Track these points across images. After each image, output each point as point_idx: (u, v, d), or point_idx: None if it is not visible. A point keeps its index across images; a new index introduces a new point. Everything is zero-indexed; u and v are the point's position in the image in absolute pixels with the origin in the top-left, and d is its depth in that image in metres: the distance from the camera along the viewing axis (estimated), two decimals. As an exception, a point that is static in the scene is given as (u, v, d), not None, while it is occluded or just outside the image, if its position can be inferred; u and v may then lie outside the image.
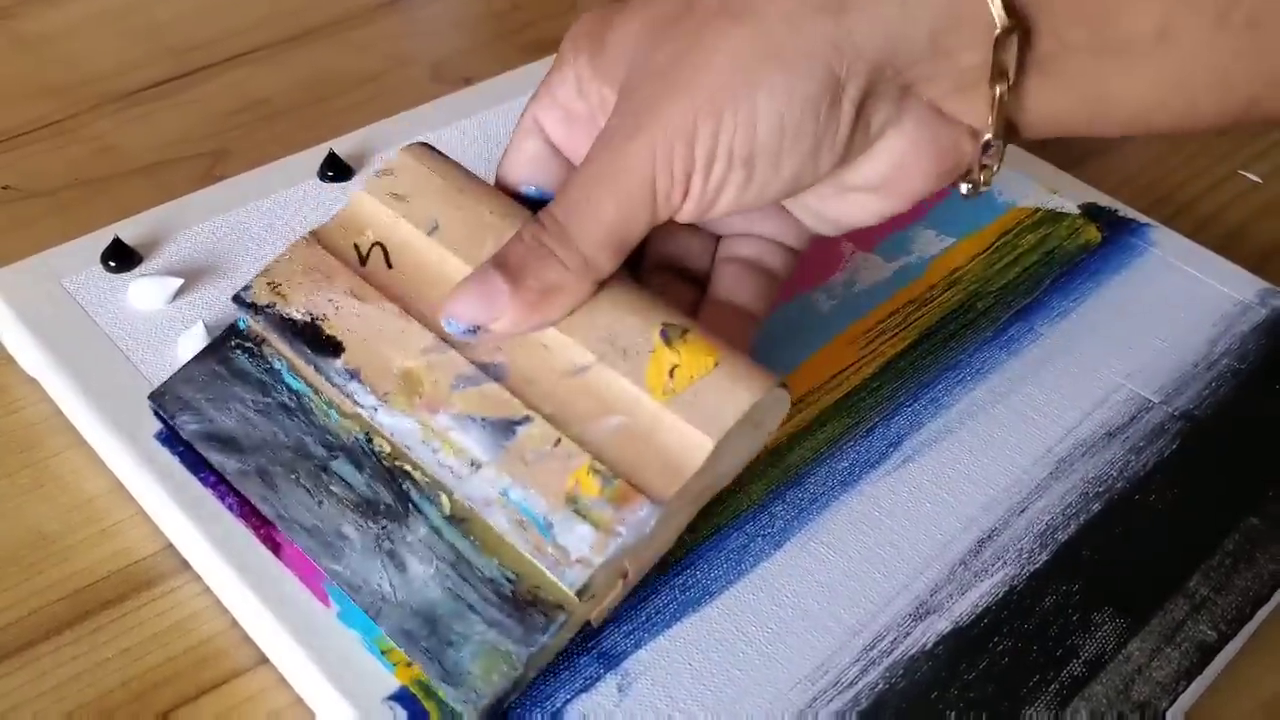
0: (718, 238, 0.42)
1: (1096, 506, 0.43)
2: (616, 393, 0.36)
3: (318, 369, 0.38)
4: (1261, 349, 0.49)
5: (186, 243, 0.49)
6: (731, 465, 0.39)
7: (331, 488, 0.38)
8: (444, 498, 0.37)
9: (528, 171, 0.41)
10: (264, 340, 0.40)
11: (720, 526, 0.41)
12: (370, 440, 0.38)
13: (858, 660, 0.38)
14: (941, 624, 0.39)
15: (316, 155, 0.53)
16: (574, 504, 0.35)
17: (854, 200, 0.38)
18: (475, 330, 0.37)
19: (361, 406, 0.37)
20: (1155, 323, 0.50)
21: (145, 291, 0.46)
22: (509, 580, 0.36)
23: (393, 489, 0.37)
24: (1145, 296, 0.51)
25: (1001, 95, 0.35)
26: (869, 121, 0.36)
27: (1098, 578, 0.41)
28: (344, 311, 0.39)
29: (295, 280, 0.39)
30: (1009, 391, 0.47)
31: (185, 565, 0.41)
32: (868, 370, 0.47)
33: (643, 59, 0.36)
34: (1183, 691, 0.38)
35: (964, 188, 0.38)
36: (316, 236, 0.40)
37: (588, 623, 0.38)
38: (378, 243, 0.40)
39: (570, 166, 0.40)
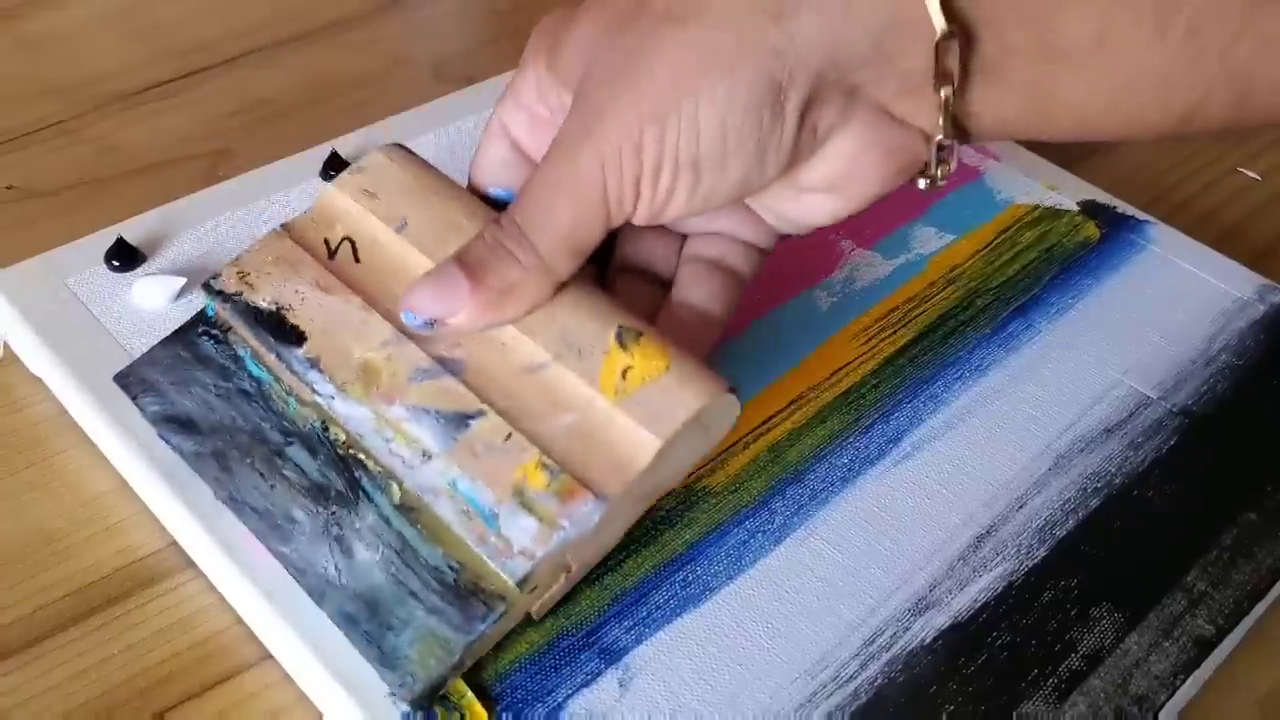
0: (684, 237, 0.42)
1: (1095, 502, 0.43)
2: (570, 391, 0.37)
3: (279, 357, 0.39)
4: (1259, 345, 0.49)
5: (189, 242, 0.49)
6: (678, 467, 0.39)
7: (284, 472, 0.38)
8: (394, 486, 0.37)
9: (495, 174, 0.42)
10: (230, 328, 0.41)
11: (720, 522, 0.42)
12: (326, 429, 0.38)
13: (857, 655, 0.38)
14: (940, 619, 0.40)
15: (319, 155, 0.53)
16: (520, 497, 0.35)
17: (810, 200, 0.39)
18: (433, 324, 0.37)
19: (320, 395, 0.38)
20: (1154, 319, 0.50)
21: (149, 291, 0.46)
22: (452, 569, 0.36)
23: (345, 476, 0.38)
24: (1144, 293, 0.51)
25: (947, 99, 0.35)
26: (815, 125, 0.36)
27: (1096, 573, 0.41)
28: (309, 302, 0.39)
29: (264, 270, 0.40)
30: (1008, 388, 0.47)
31: (189, 562, 0.41)
32: (868, 367, 0.47)
33: (594, 63, 0.37)
34: (1180, 686, 0.39)
35: (921, 183, 0.38)
36: (288, 229, 0.41)
37: (529, 616, 0.38)
38: (347, 237, 0.40)
39: (535, 168, 0.41)
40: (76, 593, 0.40)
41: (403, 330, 0.38)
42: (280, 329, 0.39)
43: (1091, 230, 0.54)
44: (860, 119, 0.36)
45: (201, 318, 0.41)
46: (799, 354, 0.47)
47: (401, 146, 0.42)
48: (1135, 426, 0.46)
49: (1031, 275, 0.51)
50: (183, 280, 0.47)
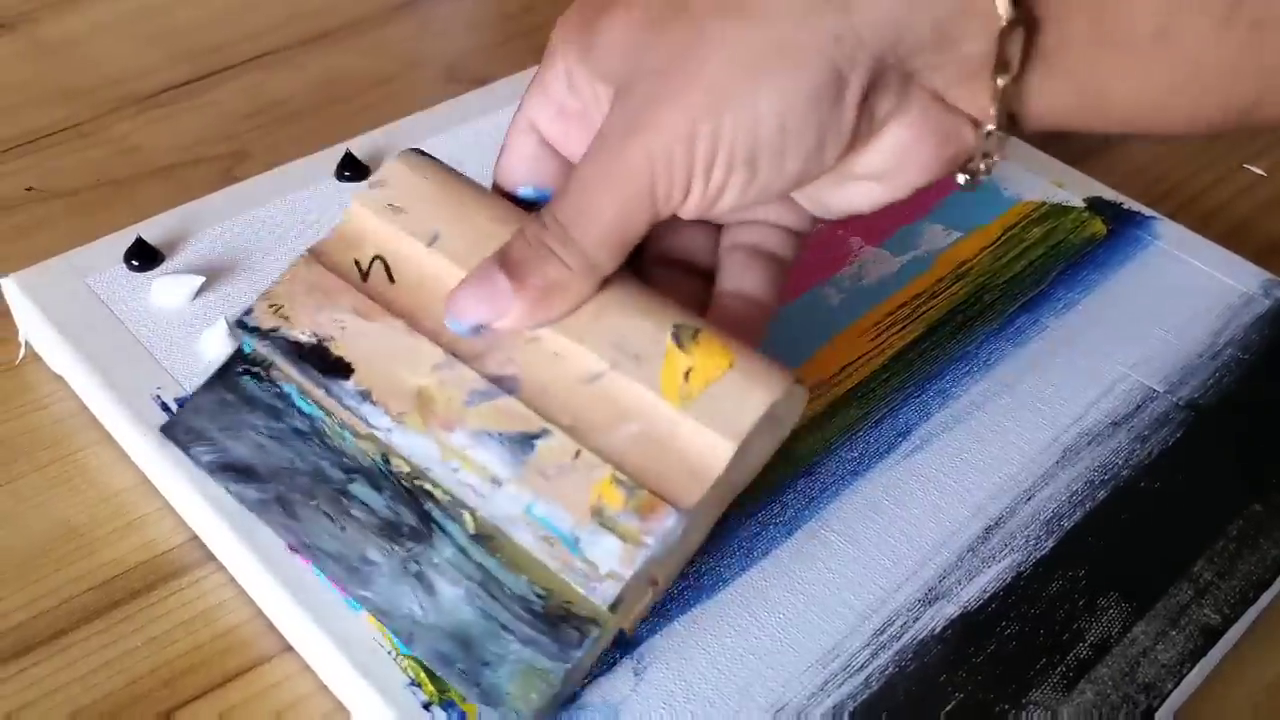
0: (719, 226, 0.42)
1: (1102, 494, 0.44)
2: (632, 399, 0.35)
3: (329, 392, 0.37)
4: (1265, 339, 0.50)
5: (207, 242, 0.50)
6: (753, 464, 0.38)
7: (353, 511, 0.37)
8: (467, 516, 0.36)
9: (524, 171, 0.41)
10: (270, 364, 0.39)
11: (733, 515, 0.42)
12: (388, 461, 0.37)
13: (868, 645, 0.39)
14: (950, 609, 0.40)
15: (334, 155, 0.54)
16: (599, 517, 0.34)
17: (856, 189, 0.38)
18: (479, 329, 0.37)
19: (376, 429, 0.36)
20: (1160, 314, 0.50)
21: (168, 290, 0.47)
22: (539, 597, 0.35)
23: (415, 510, 0.37)
24: (1150, 288, 0.52)
25: (1004, 87, 0.35)
26: (873, 113, 0.36)
27: (1103, 563, 0.42)
28: (350, 331, 0.38)
29: (298, 301, 0.38)
30: (1016, 382, 0.47)
31: (210, 556, 0.42)
32: (877, 362, 0.48)
33: (637, 57, 0.36)
34: (1187, 674, 0.39)
35: (961, 178, 0.38)
36: (315, 254, 0.39)
37: (622, 631, 0.38)
38: (378, 256, 0.39)
39: (566, 164, 0.40)
40: (100, 586, 0.41)
41: (452, 351, 0.37)
42: (325, 362, 0.37)
43: (1098, 226, 0.54)
44: (915, 105, 0.36)
45: (240, 356, 0.40)
46: (809, 349, 0.48)
47: (419, 152, 0.40)
48: (1142, 420, 0.46)
49: (1039, 271, 0.52)
50: (201, 279, 0.47)
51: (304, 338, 0.38)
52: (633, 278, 0.38)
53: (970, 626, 0.40)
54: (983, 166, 0.38)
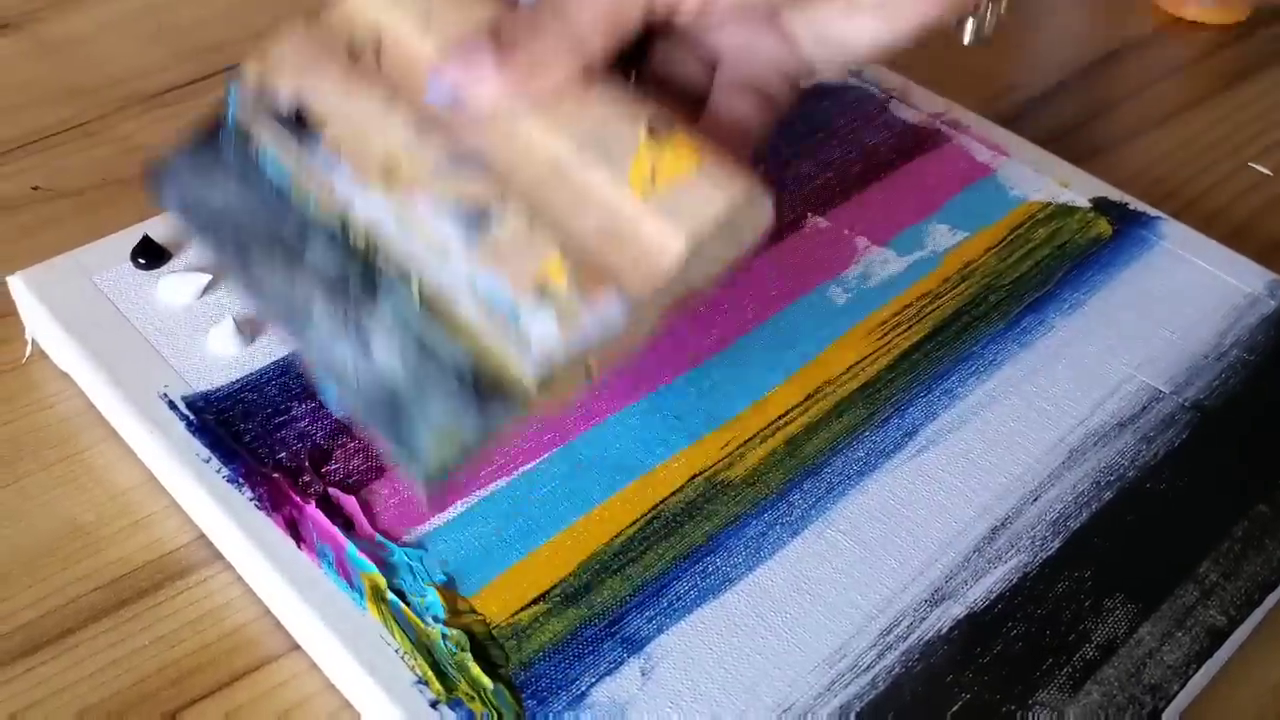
0: (715, 65, 0.41)
1: (1108, 495, 0.44)
2: (596, 187, 0.35)
3: (300, 146, 0.38)
4: (1271, 340, 0.50)
5: (214, 241, 0.50)
6: (707, 270, 0.37)
7: (305, 268, 0.37)
8: (414, 282, 0.36)
9: None
10: (251, 130, 0.39)
11: (739, 514, 0.42)
12: (346, 228, 0.37)
13: (874, 645, 0.39)
14: (956, 609, 0.40)
15: (339, 154, 0.54)
16: (542, 293, 0.34)
17: (858, 22, 0.38)
18: (457, 99, 0.36)
19: (340, 189, 0.37)
20: (1166, 314, 0.50)
21: (174, 288, 0.47)
22: (470, 366, 0.35)
23: (364, 272, 0.37)
24: (1156, 289, 0.52)
25: None
26: None
27: (1109, 564, 0.42)
28: (331, 98, 0.38)
29: (287, 66, 0.39)
30: (1022, 382, 0.47)
31: (217, 555, 0.42)
32: (883, 362, 0.48)
33: None
34: (1193, 675, 0.39)
35: (968, 31, 0.37)
36: (310, 30, 0.39)
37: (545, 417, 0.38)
38: (370, 38, 0.39)
39: None
40: (107, 585, 0.41)
41: (427, 122, 0.37)
42: (301, 124, 0.38)
43: (1103, 227, 0.54)
44: None
45: (225, 121, 0.40)
46: (815, 349, 0.48)
47: None
48: (1148, 421, 0.46)
49: (1044, 271, 0.52)
50: (208, 277, 0.47)
51: (286, 100, 0.38)
52: (620, 78, 0.37)
53: (977, 627, 0.40)
54: (988, 14, 0.37)
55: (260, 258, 0.38)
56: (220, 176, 0.39)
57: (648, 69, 0.40)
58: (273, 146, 0.39)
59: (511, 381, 0.35)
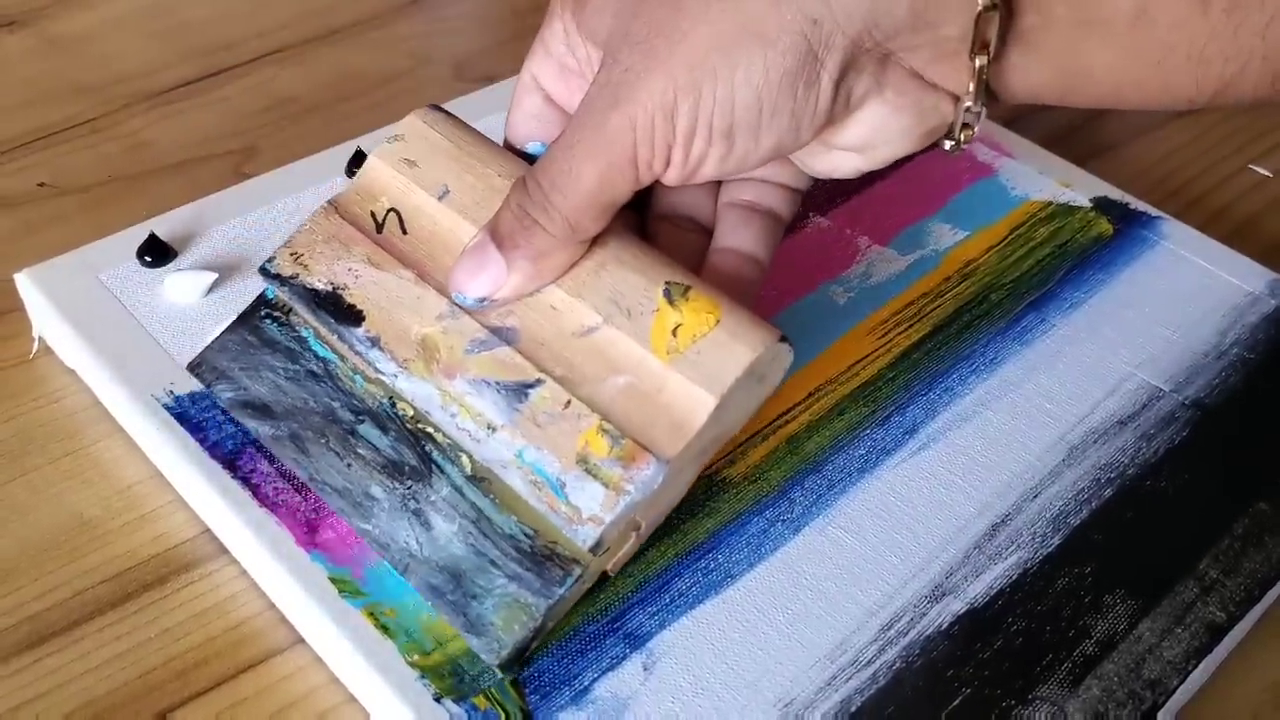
0: (719, 183, 0.42)
1: (1108, 492, 0.44)
2: (623, 352, 0.37)
3: (340, 337, 0.39)
4: (1271, 339, 0.50)
5: (219, 238, 0.50)
6: (736, 419, 0.40)
7: (359, 450, 0.39)
8: (464, 458, 0.38)
9: (530, 128, 0.42)
10: (290, 309, 0.41)
11: (741, 512, 0.42)
12: (394, 404, 0.39)
13: (875, 640, 0.39)
14: (957, 605, 0.40)
15: (343, 152, 0.54)
16: (585, 464, 0.36)
17: (838, 157, 0.39)
18: (484, 300, 0.38)
19: (383, 374, 0.39)
20: (1166, 313, 0.51)
21: (180, 285, 0.47)
22: (527, 536, 0.37)
23: (416, 451, 0.39)
24: (1156, 288, 0.52)
25: (981, 67, 0.35)
26: (849, 93, 0.36)
27: (1109, 561, 0.42)
28: (363, 280, 0.40)
29: (316, 250, 0.41)
30: (1022, 381, 0.48)
31: (222, 549, 0.42)
32: (884, 360, 0.48)
33: (622, 26, 0.37)
34: (1192, 671, 0.39)
35: (947, 144, 0.38)
36: (335, 206, 0.41)
37: (605, 574, 0.39)
38: (392, 209, 0.41)
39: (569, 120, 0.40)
40: (113, 578, 0.41)
41: (455, 301, 0.39)
42: (339, 309, 0.40)
43: (1104, 226, 0.55)
44: (892, 84, 0.36)
45: (263, 301, 0.42)
46: (816, 348, 0.48)
47: (438, 108, 0.42)
48: (1148, 419, 0.47)
49: (1045, 271, 0.52)
50: (214, 275, 0.48)
51: (320, 285, 0.40)
52: (632, 235, 0.39)
53: (977, 623, 0.40)
54: (963, 136, 0.38)
55: (315, 440, 0.40)
56: (266, 359, 0.41)
57: (654, 195, 0.42)
58: (312, 328, 0.41)
59: (567, 550, 0.37)
